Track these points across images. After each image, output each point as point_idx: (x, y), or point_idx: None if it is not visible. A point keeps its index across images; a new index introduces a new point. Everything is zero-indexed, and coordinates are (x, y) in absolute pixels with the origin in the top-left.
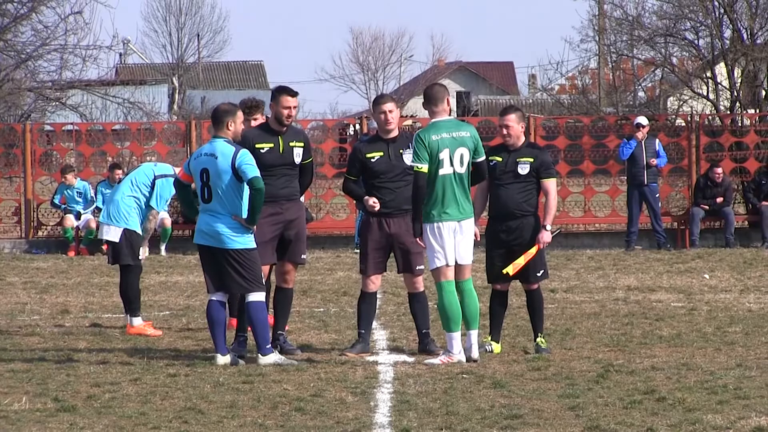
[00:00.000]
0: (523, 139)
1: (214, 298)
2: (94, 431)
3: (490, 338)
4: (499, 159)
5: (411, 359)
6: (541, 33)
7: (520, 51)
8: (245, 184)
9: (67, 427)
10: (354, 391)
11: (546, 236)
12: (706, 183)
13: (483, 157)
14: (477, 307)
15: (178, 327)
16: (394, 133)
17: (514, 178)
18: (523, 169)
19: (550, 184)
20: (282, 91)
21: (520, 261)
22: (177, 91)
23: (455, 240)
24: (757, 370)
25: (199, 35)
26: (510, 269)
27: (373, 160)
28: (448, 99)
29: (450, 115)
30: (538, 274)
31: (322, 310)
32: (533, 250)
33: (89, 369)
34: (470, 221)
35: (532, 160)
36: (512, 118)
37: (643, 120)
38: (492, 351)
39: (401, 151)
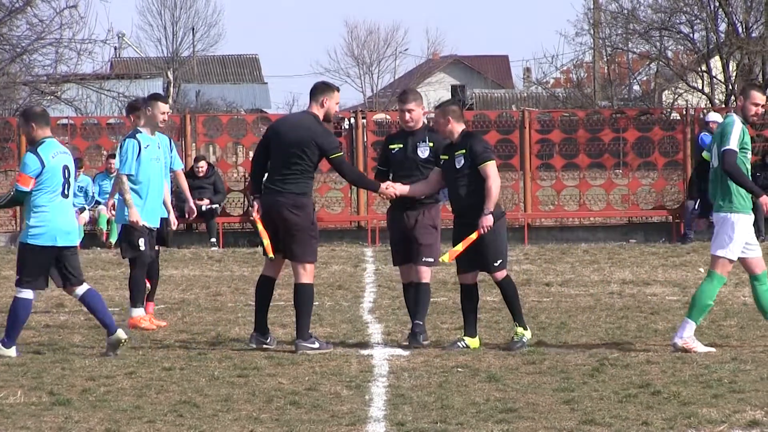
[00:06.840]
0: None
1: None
2: (89, 425)
3: (463, 334)
4: (446, 157)
5: (406, 353)
6: (536, 26)
7: (515, 44)
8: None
9: (63, 420)
10: (349, 385)
11: (486, 220)
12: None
13: None
14: None
15: (173, 320)
16: (417, 127)
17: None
18: (459, 162)
19: (489, 167)
20: (333, 86)
21: (458, 248)
22: (172, 84)
23: None
24: (752, 363)
25: (194, 29)
26: (446, 257)
27: (393, 151)
28: None
29: None
30: (496, 264)
31: (317, 303)
32: (473, 236)
33: (84, 362)
34: None
35: (464, 151)
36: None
37: (717, 117)
38: (468, 347)
39: (417, 144)
